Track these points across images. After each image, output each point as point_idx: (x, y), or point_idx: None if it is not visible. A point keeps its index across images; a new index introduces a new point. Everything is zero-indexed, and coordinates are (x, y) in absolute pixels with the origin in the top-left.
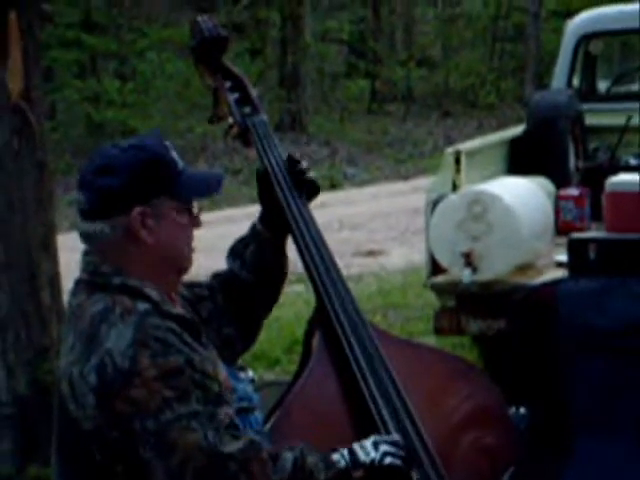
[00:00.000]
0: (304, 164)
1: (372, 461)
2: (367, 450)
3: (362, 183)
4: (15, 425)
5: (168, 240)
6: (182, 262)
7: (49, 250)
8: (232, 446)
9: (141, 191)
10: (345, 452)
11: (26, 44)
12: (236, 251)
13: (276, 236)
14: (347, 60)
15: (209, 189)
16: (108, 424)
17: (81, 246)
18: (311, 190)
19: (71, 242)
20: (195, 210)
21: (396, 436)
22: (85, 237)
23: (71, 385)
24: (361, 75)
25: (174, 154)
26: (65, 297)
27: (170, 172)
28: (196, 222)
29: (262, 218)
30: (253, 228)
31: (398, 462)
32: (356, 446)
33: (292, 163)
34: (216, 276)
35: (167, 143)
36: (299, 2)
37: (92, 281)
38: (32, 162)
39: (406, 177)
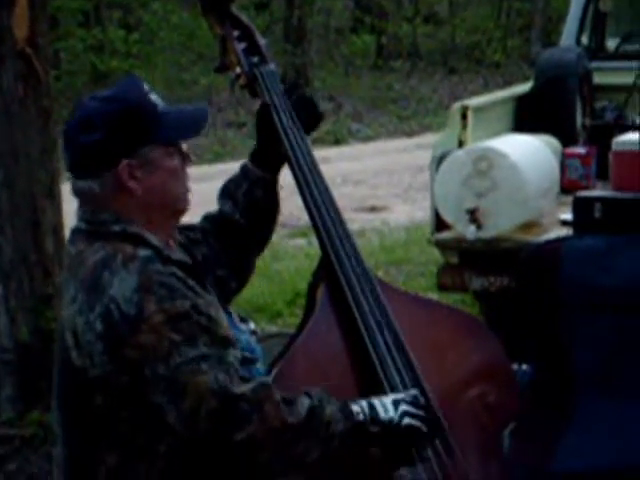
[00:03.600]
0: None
1: (390, 420)
2: (387, 407)
3: (366, 139)
4: (17, 371)
5: (160, 187)
6: (178, 205)
7: (53, 198)
8: (243, 387)
9: (124, 143)
10: (365, 405)
11: None
12: (227, 192)
13: (268, 174)
14: (353, 15)
15: (196, 127)
16: (117, 370)
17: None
18: (315, 116)
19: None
20: (184, 147)
21: (414, 391)
22: (77, 194)
23: (75, 334)
24: (367, 30)
25: (153, 97)
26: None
27: (151, 118)
28: (187, 160)
29: (254, 156)
30: (244, 168)
31: (417, 423)
32: (376, 401)
33: (294, 89)
34: (208, 218)
35: (144, 86)
36: None
37: (91, 230)
38: (37, 109)
39: (410, 134)
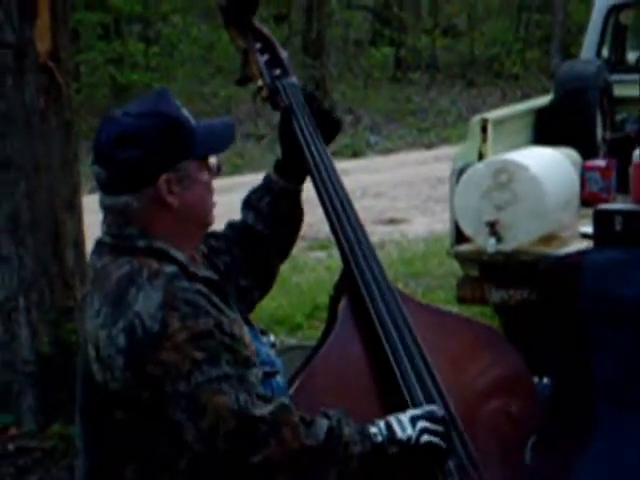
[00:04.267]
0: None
1: (409, 438)
2: (404, 425)
3: (385, 151)
4: (37, 383)
5: (194, 200)
6: (209, 218)
7: (74, 211)
8: (263, 409)
9: (163, 158)
10: (382, 425)
11: (54, 4)
12: (250, 202)
13: (291, 185)
14: (372, 27)
15: (225, 142)
16: (138, 386)
17: (93, 210)
18: (334, 126)
19: (94, 204)
20: (213, 162)
21: (433, 407)
22: (108, 209)
23: (97, 348)
24: (386, 43)
25: (185, 112)
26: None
27: (187, 132)
28: (215, 173)
29: (277, 167)
30: (267, 178)
31: (435, 440)
32: (393, 420)
33: (312, 100)
34: (232, 226)
35: (177, 102)
36: None
37: (116, 244)
38: (59, 122)
39: (429, 146)
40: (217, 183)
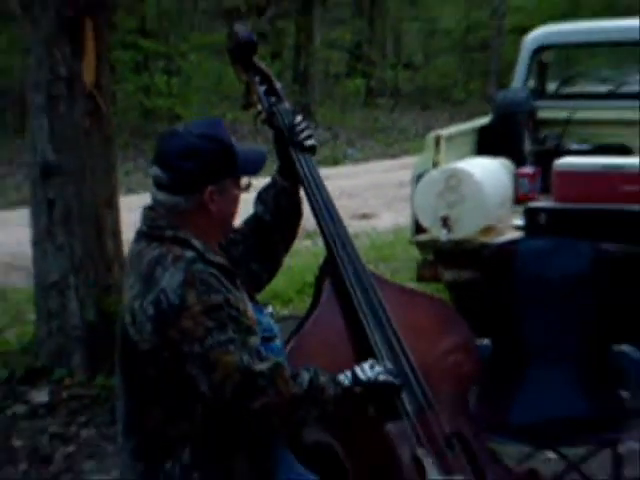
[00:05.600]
0: (307, 132)
1: (369, 379)
2: (365, 371)
3: (358, 161)
4: (85, 344)
5: (226, 209)
6: (231, 223)
7: (112, 208)
8: (262, 365)
9: (214, 174)
10: (348, 373)
11: (97, 45)
12: (260, 197)
13: (290, 184)
14: (348, 63)
15: (258, 168)
16: (161, 347)
17: (134, 207)
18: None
19: (127, 203)
20: (244, 181)
21: (389, 364)
22: (159, 203)
23: (132, 315)
24: (359, 75)
25: (234, 140)
26: (125, 246)
27: (233, 157)
28: (245, 189)
29: (279, 170)
30: (273, 178)
31: (390, 378)
32: (357, 368)
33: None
34: (246, 222)
35: (224, 127)
36: (310, 16)
37: (150, 233)
38: (100, 138)
39: (394, 156)
40: None
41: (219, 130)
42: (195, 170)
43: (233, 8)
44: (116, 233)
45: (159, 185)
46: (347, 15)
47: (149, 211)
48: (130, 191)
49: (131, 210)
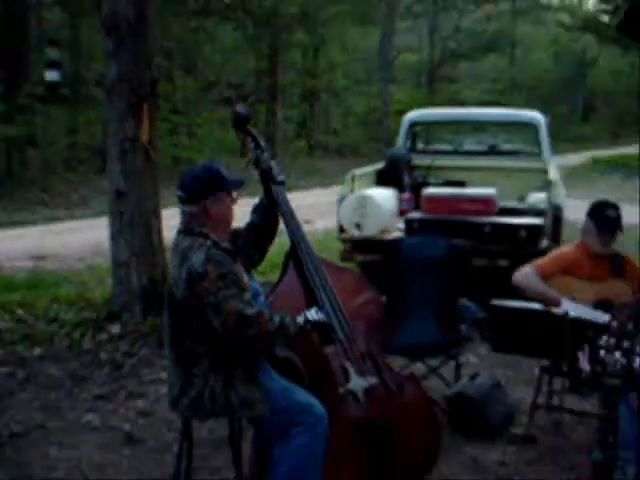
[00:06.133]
0: (280, 172)
1: (314, 319)
2: (312, 314)
3: (304, 189)
4: (141, 299)
5: (223, 213)
6: (228, 222)
7: (157, 217)
8: (251, 311)
9: (211, 190)
10: (302, 316)
11: (150, 119)
12: (254, 210)
13: (271, 205)
14: (297, 130)
15: (240, 186)
16: (191, 298)
17: (169, 217)
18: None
19: (165, 214)
20: (235, 195)
21: (327, 310)
22: (184, 213)
23: (174, 279)
24: (303, 138)
25: (224, 171)
26: (163, 241)
27: (223, 181)
28: (235, 201)
29: (265, 194)
30: (261, 200)
31: (327, 319)
32: (307, 312)
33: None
34: (246, 225)
35: (221, 165)
36: (275, 101)
37: (185, 229)
38: (151, 175)
39: (326, 187)
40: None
41: (214, 165)
42: (200, 188)
43: (229, 97)
44: (159, 232)
45: (181, 200)
46: (297, 102)
47: (182, 217)
48: (165, 207)
49: (166, 218)
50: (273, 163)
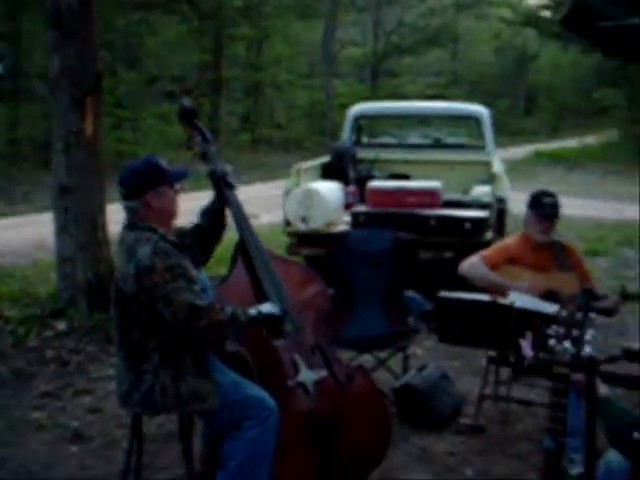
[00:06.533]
0: (231, 174)
1: (265, 313)
2: (263, 307)
3: (248, 183)
4: (86, 294)
5: (165, 205)
6: (172, 215)
7: (102, 212)
8: (202, 302)
9: (151, 184)
10: (254, 308)
11: (94, 113)
12: (202, 211)
13: (219, 205)
14: (241, 125)
15: (183, 177)
16: (140, 292)
17: (114, 211)
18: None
19: (109, 209)
20: (177, 187)
21: (276, 304)
22: (126, 207)
23: (122, 274)
24: (247, 132)
25: (164, 163)
26: (109, 235)
27: (163, 172)
28: (178, 193)
29: (215, 195)
30: (211, 201)
31: (277, 312)
32: (258, 306)
33: (224, 177)
34: (195, 225)
35: (160, 158)
36: (219, 95)
37: (131, 224)
38: (95, 169)
39: (270, 181)
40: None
41: (153, 159)
42: (138, 182)
43: (173, 91)
44: (104, 227)
45: (122, 196)
46: (240, 96)
47: (126, 213)
48: (110, 201)
49: (111, 213)
50: (228, 168)
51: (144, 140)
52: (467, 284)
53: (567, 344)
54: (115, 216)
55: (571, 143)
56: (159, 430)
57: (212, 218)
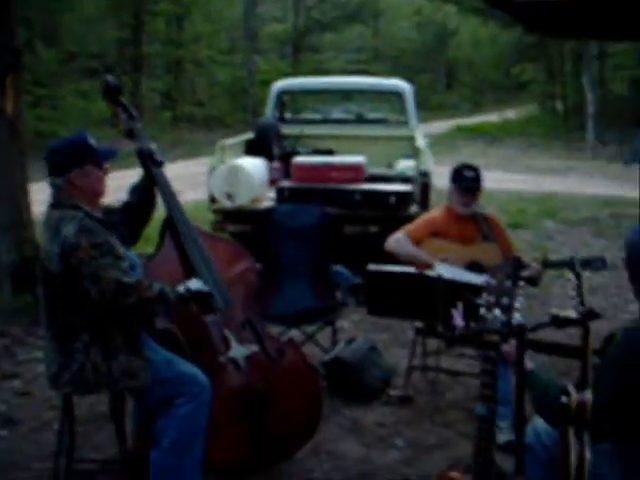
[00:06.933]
0: (158, 153)
1: (194, 289)
2: (192, 284)
3: (171, 161)
4: (12, 276)
5: (92, 185)
6: (99, 194)
7: (25, 191)
8: (130, 279)
9: (76, 162)
10: (182, 285)
11: (15, 91)
12: (132, 189)
13: (148, 182)
14: (162, 102)
15: (111, 157)
16: (66, 270)
17: (37, 191)
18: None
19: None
20: (106, 166)
21: (205, 280)
22: (51, 184)
23: (47, 253)
24: (169, 109)
25: (92, 141)
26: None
27: (90, 151)
28: (106, 173)
29: (144, 173)
30: (139, 178)
31: (206, 289)
32: (187, 282)
33: (151, 154)
34: (123, 203)
35: (89, 136)
36: (140, 73)
37: (55, 202)
38: (18, 151)
39: (193, 158)
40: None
41: (81, 137)
42: (61, 160)
43: (93, 68)
44: (28, 207)
45: (48, 173)
46: (161, 72)
47: (51, 190)
48: (32, 181)
49: (35, 192)
50: (152, 144)
51: (64, 118)
52: (393, 257)
53: (497, 312)
54: (39, 196)
55: (492, 118)
56: (90, 411)
57: (141, 196)
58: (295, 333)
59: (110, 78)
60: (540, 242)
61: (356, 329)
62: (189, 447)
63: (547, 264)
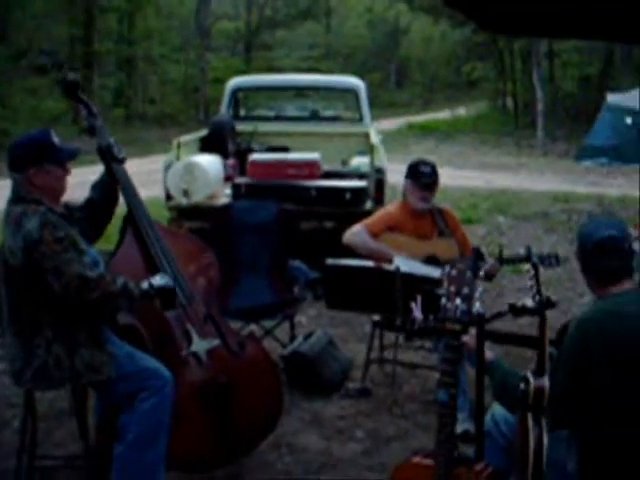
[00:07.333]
0: (119, 149)
1: (157, 285)
2: (155, 279)
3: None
4: None
5: (51, 184)
6: (58, 193)
7: None
8: (93, 274)
9: (35, 161)
10: (146, 282)
11: None
12: (93, 185)
13: (110, 179)
14: (114, 100)
15: (73, 156)
16: (29, 265)
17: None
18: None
19: None
20: (67, 165)
21: (168, 275)
22: (12, 179)
23: (9, 248)
24: (121, 106)
25: (55, 139)
26: None
27: (52, 149)
28: (68, 172)
29: (105, 170)
30: (101, 175)
31: (169, 284)
32: (151, 278)
33: (111, 150)
34: (86, 200)
35: (51, 133)
36: (91, 69)
37: (16, 198)
38: None
39: (146, 156)
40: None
41: (43, 135)
42: (22, 156)
43: (43, 65)
44: None
45: (8, 168)
46: (113, 70)
47: (13, 184)
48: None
49: None
50: (112, 140)
51: (14, 116)
52: (349, 253)
53: (458, 301)
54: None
55: (442, 115)
56: (50, 407)
57: (103, 192)
58: (253, 328)
59: (70, 75)
60: (493, 237)
61: (314, 324)
62: (152, 441)
63: (503, 260)
